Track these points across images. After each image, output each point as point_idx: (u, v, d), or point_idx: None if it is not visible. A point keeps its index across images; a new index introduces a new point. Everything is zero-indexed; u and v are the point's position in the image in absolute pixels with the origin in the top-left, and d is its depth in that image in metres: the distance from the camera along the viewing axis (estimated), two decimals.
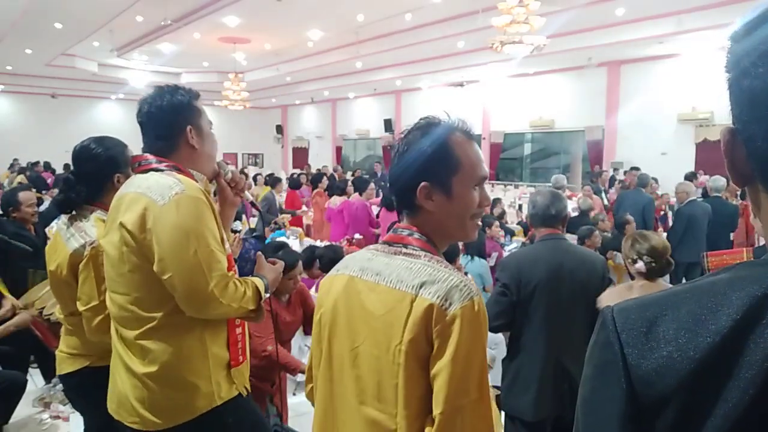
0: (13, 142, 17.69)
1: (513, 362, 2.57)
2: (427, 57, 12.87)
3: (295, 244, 6.08)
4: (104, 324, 1.87)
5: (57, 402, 3.46)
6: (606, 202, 8.95)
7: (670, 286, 1.22)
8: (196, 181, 1.69)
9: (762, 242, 5.30)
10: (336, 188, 7.80)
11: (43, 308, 2.70)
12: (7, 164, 15.30)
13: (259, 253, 1.94)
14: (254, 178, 11.24)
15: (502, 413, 2.67)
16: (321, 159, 19.98)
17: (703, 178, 8.72)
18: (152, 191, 1.58)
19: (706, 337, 0.51)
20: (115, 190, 1.84)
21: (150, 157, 1.71)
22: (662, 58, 11.52)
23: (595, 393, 0.59)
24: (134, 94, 14.74)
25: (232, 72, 15.00)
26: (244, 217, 6.66)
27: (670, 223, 7.29)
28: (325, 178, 9.28)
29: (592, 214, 6.66)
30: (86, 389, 2.06)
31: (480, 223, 1.50)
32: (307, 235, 8.20)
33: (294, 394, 3.67)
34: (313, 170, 14.26)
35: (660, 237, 2.79)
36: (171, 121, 1.71)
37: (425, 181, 1.16)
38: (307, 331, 3.69)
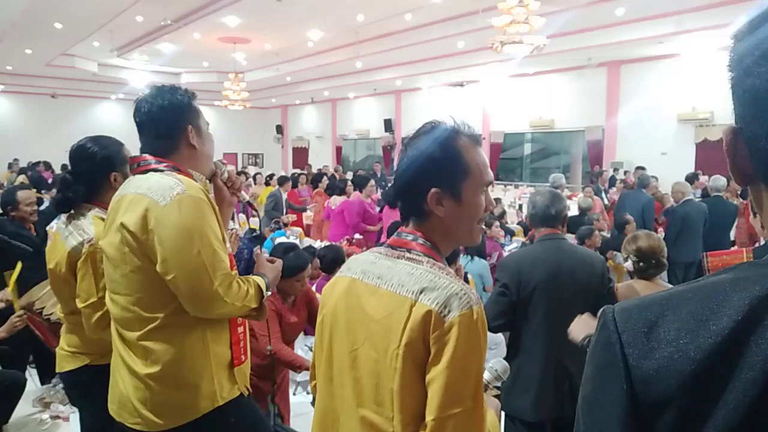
0: (13, 142, 17.65)
1: (513, 362, 2.55)
2: (427, 57, 12.85)
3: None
4: (103, 320, 1.88)
5: (57, 402, 3.46)
6: (606, 202, 8.94)
7: (670, 285, 1.22)
8: (196, 181, 1.69)
9: (763, 242, 5.29)
10: (336, 188, 7.79)
11: (42, 308, 2.70)
12: (7, 164, 15.28)
13: (258, 252, 1.95)
14: (254, 178, 11.24)
15: (503, 413, 2.66)
16: (321, 159, 19.94)
17: (703, 178, 8.71)
18: (153, 192, 1.58)
19: (707, 338, 0.51)
20: (113, 188, 1.84)
21: (149, 157, 1.70)
22: (662, 58, 11.50)
23: (595, 393, 0.59)
24: (134, 94, 14.64)
25: (232, 72, 14.98)
26: (244, 217, 6.65)
27: None
28: (325, 177, 9.28)
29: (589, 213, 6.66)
30: (86, 387, 2.07)
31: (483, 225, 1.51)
32: (307, 234, 8.19)
33: (294, 394, 3.66)
34: (314, 170, 14.25)
35: (653, 238, 2.82)
36: (172, 121, 1.70)
37: (436, 187, 1.15)
38: (308, 332, 3.68)
